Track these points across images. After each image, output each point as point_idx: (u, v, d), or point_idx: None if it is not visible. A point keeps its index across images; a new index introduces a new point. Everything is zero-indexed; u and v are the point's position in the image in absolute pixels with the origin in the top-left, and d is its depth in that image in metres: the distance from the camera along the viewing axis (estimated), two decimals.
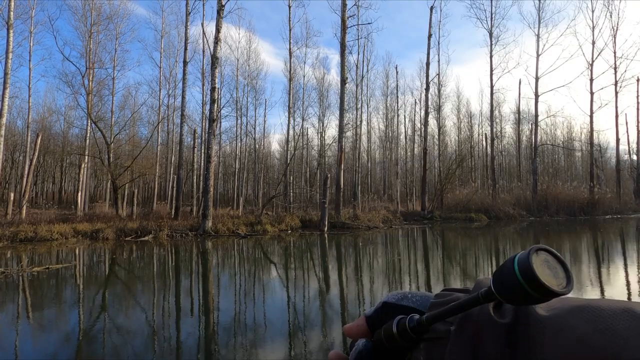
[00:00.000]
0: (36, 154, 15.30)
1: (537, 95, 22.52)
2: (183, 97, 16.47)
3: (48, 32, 34.17)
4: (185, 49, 16.52)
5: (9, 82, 13.96)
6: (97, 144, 17.51)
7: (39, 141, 15.07)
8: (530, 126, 29.00)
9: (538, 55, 22.48)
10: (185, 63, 16.41)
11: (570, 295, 0.25)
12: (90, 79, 17.67)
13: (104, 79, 19.99)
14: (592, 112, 22.86)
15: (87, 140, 18.56)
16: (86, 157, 18.15)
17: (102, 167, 17.77)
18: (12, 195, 14.31)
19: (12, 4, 14.47)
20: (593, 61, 22.78)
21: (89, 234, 10.92)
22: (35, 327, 3.88)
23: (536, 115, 22.76)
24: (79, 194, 16.69)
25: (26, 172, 15.43)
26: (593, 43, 22.90)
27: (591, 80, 22.75)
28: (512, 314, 0.28)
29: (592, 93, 22.78)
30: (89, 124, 17.64)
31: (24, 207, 13.86)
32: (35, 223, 11.21)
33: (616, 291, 4.72)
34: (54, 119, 29.38)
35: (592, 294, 4.59)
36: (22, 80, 31.30)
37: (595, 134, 23.95)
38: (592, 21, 23.16)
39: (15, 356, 3.05)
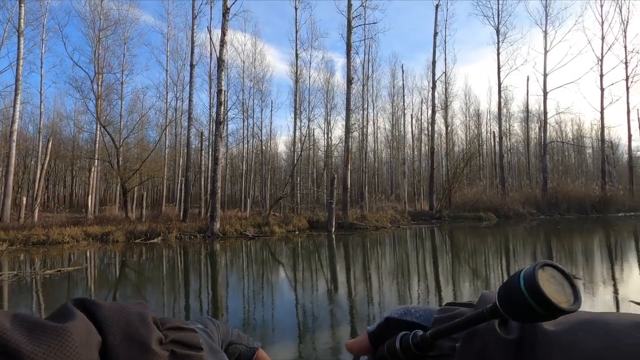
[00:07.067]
0: (47, 158, 15.55)
1: (545, 92, 22.23)
2: (190, 100, 16.62)
3: (59, 39, 34.69)
4: (192, 52, 16.66)
5: (20, 89, 14.19)
6: (107, 148, 17.73)
7: (50, 146, 15.32)
8: (539, 124, 28.62)
9: (546, 52, 22.18)
10: (192, 66, 16.54)
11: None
12: (99, 83, 17.93)
13: (112, 83, 20.29)
14: (602, 109, 22.50)
15: (97, 144, 18.84)
16: (96, 160, 18.42)
17: (111, 171, 18.02)
18: (24, 199, 14.57)
19: (23, 11, 14.73)
20: (603, 56, 22.44)
21: (100, 237, 11.06)
22: None
23: (545, 112, 22.46)
24: (89, 197, 16.92)
25: (38, 176, 15.71)
26: (602, 38, 22.54)
27: (601, 75, 22.39)
28: (519, 330, 0.27)
29: (602, 89, 22.41)
30: (98, 128, 17.88)
31: (36, 210, 14.10)
32: (47, 226, 11.39)
33: (631, 290, 4.62)
34: (64, 123, 29.85)
35: (605, 294, 4.51)
36: (33, 86, 31.77)
37: (606, 131, 23.52)
38: (602, 16, 22.80)
39: None
